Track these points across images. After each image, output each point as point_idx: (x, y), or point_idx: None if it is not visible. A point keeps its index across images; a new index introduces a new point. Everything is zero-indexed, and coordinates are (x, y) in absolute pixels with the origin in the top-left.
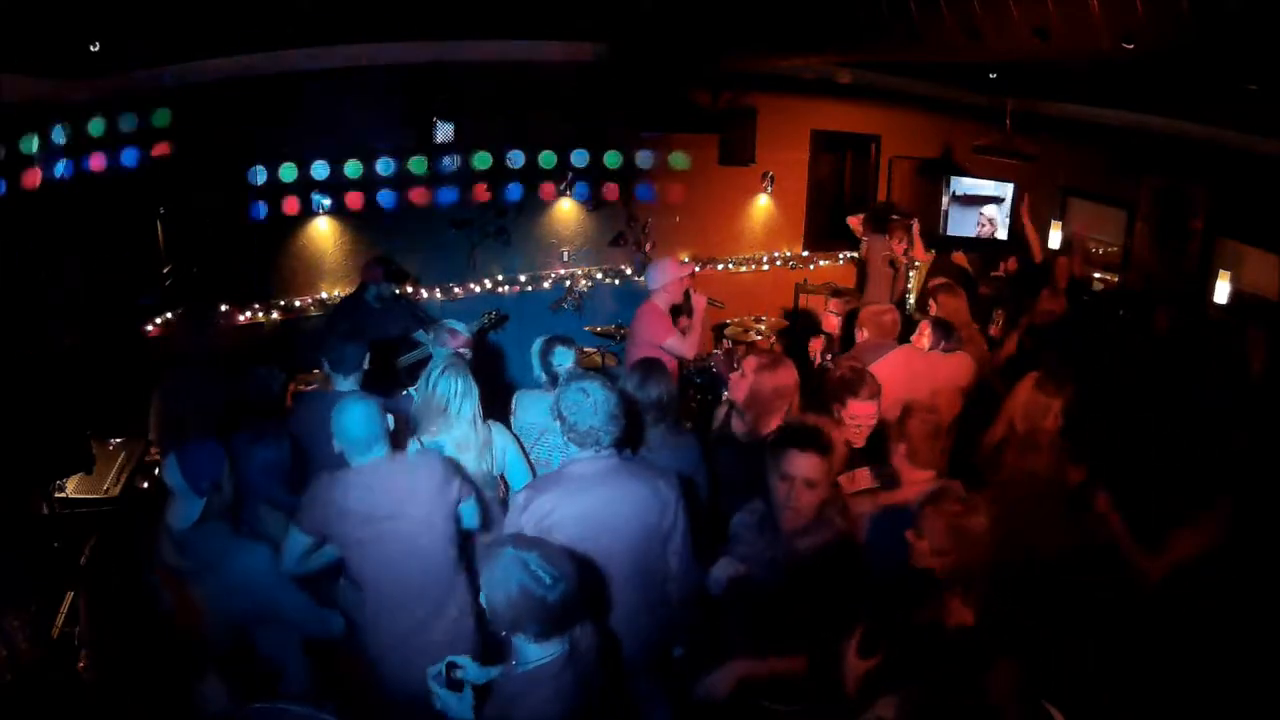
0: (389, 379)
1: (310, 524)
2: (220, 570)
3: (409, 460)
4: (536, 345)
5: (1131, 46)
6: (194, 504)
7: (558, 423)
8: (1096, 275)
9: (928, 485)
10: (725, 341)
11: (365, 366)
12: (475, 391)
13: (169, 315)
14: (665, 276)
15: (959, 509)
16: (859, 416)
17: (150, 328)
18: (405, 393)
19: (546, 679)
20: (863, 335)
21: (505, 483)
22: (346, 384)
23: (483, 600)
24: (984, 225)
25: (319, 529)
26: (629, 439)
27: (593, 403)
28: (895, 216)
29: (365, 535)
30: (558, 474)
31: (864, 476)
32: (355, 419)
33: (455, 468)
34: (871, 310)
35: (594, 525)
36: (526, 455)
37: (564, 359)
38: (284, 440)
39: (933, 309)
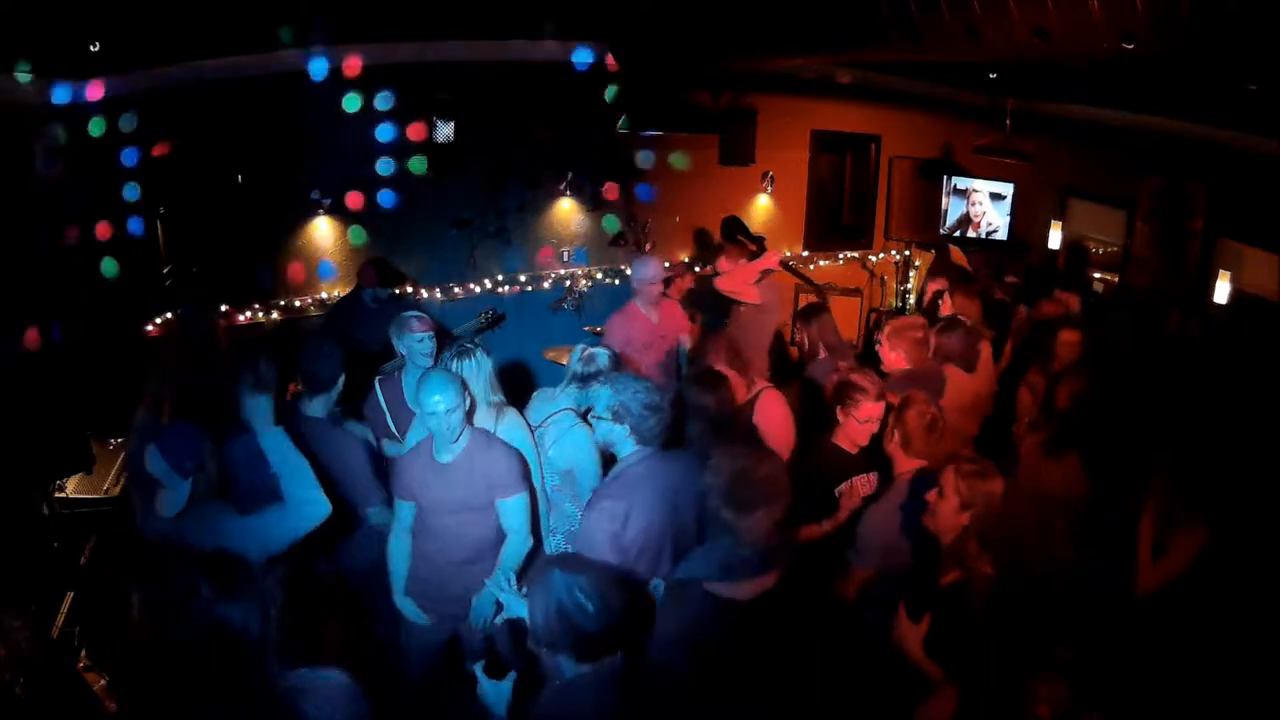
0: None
1: (404, 492)
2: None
3: (471, 455)
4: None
5: (1131, 46)
6: (181, 488)
7: (627, 423)
8: (1096, 275)
9: (918, 476)
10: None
11: (338, 386)
12: (485, 373)
13: (169, 315)
14: (644, 274)
15: (977, 469)
16: (873, 418)
17: (150, 328)
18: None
19: (585, 693)
20: (897, 356)
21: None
22: (315, 407)
23: (525, 615)
24: (974, 206)
25: (412, 493)
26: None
27: (662, 401)
28: (739, 238)
29: (426, 501)
30: (625, 475)
31: (862, 485)
32: (435, 388)
33: (501, 467)
34: (900, 325)
35: (663, 509)
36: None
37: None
38: None
39: (945, 309)
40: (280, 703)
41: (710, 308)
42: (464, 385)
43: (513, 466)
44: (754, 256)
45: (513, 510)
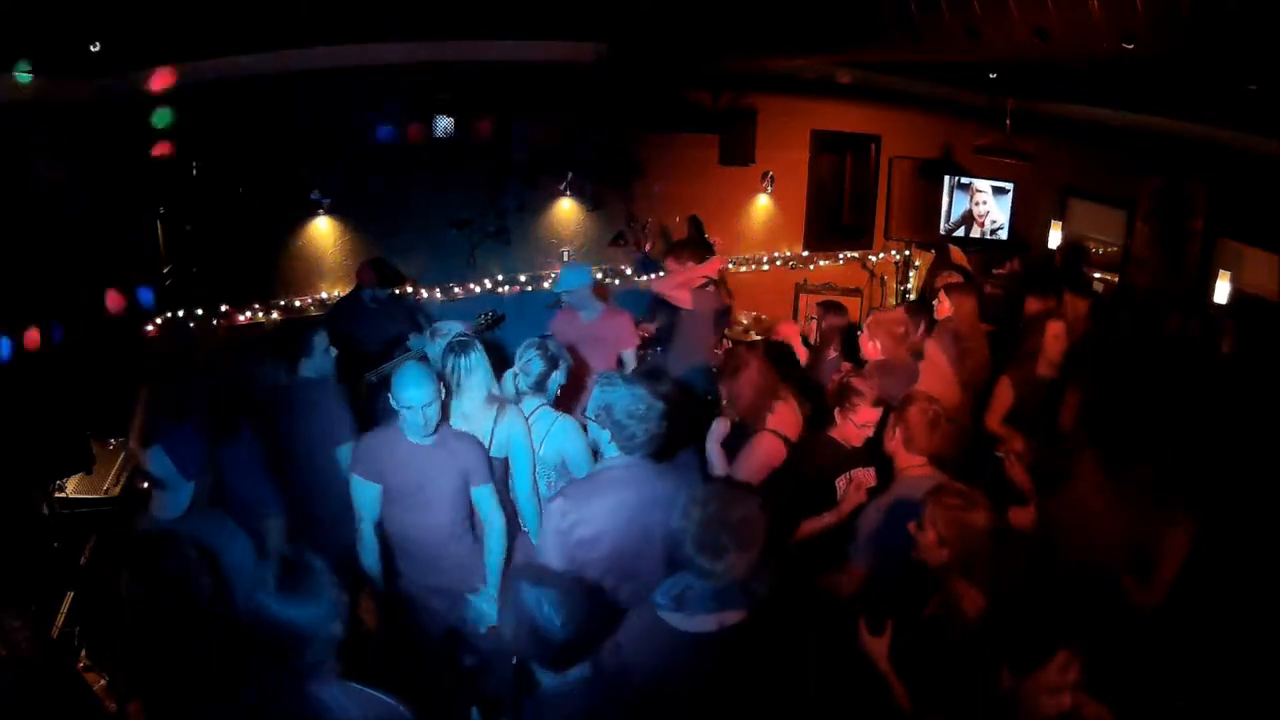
0: (359, 390)
1: (367, 470)
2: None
3: (444, 441)
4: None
5: (1131, 46)
6: (183, 491)
7: (607, 428)
8: (1097, 275)
9: (920, 471)
10: (725, 342)
11: (309, 363)
12: (483, 368)
13: (169, 315)
14: (567, 281)
15: (959, 503)
16: (869, 422)
17: (150, 328)
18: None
19: (570, 702)
20: (874, 348)
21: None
22: (304, 369)
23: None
24: (978, 206)
25: (377, 475)
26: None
27: (651, 408)
28: (693, 241)
29: (396, 482)
30: (596, 479)
31: (863, 477)
32: (411, 382)
33: (474, 457)
34: (884, 318)
35: (635, 527)
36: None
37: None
38: (251, 435)
39: (942, 308)
40: (320, 708)
41: (663, 312)
42: (439, 377)
43: (484, 455)
44: (701, 261)
45: (487, 498)
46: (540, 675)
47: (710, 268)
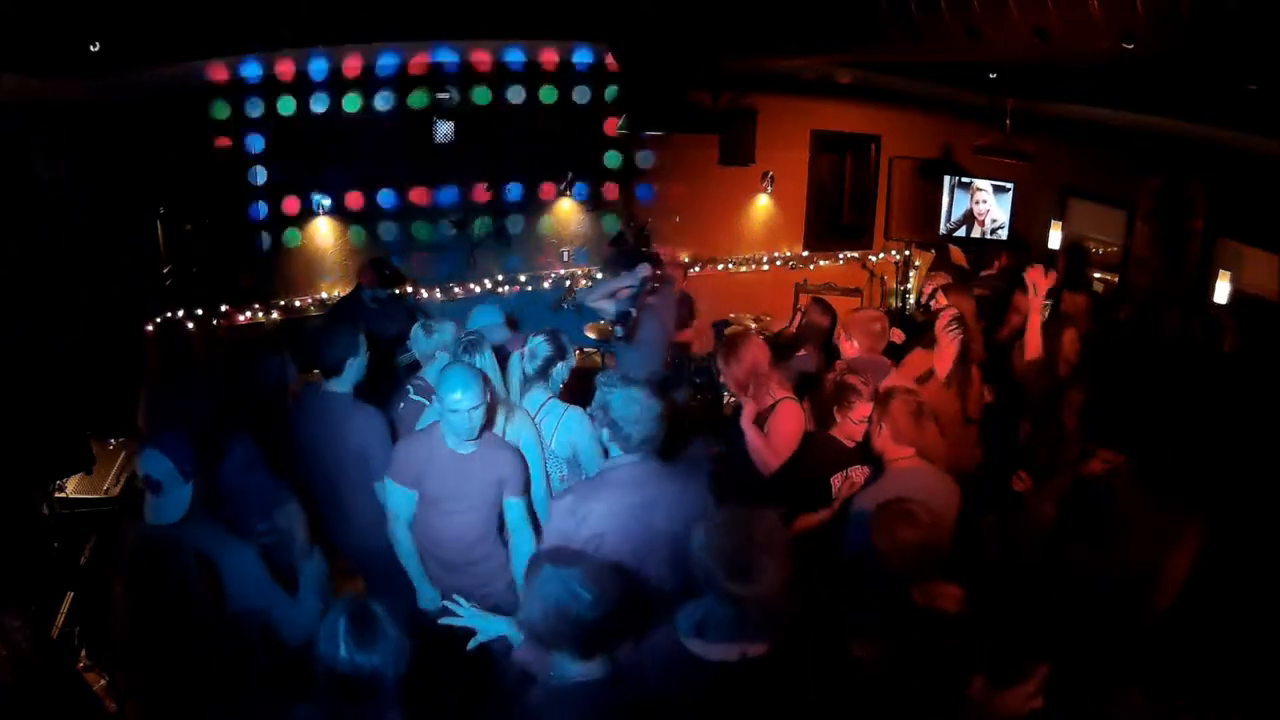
0: (388, 379)
1: (404, 476)
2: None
3: (484, 449)
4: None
5: (1131, 46)
6: (182, 493)
7: (605, 428)
8: (1097, 275)
9: (908, 464)
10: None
11: (356, 362)
12: (493, 370)
13: (169, 315)
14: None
15: (897, 518)
16: (867, 417)
17: (150, 328)
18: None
19: (583, 699)
20: (851, 346)
21: None
22: (336, 384)
23: (521, 615)
24: (978, 205)
25: (414, 481)
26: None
27: (645, 409)
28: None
29: (431, 491)
30: (601, 478)
31: (859, 476)
32: (459, 384)
33: (513, 467)
34: (861, 316)
35: (638, 527)
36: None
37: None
38: (256, 435)
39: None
40: None
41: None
42: (486, 380)
43: (523, 467)
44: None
45: (518, 510)
46: (565, 665)
47: (632, 279)
